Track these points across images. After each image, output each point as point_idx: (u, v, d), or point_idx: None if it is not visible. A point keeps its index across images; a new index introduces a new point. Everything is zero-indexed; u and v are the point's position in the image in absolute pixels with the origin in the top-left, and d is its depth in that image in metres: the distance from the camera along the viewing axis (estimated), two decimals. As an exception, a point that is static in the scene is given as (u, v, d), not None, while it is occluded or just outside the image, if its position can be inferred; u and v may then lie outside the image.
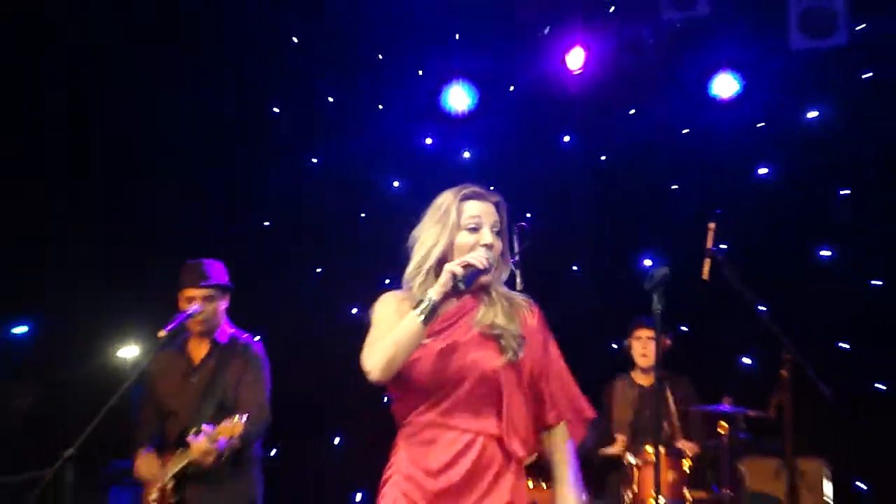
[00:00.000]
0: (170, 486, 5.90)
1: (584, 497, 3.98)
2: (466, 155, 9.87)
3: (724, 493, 7.41)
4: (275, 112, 9.60)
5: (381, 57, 9.65)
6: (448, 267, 3.79)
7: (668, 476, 7.37)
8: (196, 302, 6.05)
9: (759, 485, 7.91)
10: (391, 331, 3.82)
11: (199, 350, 6.23)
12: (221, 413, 5.93)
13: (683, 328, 8.97)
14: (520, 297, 4.06)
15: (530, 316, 4.01)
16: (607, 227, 9.47)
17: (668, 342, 7.97)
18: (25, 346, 8.69)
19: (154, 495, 5.93)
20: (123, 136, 8.84)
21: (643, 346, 8.00)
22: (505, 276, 4.07)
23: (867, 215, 8.87)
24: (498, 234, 3.99)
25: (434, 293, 3.75)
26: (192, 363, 6.21)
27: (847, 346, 8.86)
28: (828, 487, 7.97)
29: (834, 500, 7.94)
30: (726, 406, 7.37)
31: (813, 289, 8.74)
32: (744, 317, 7.29)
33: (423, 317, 3.75)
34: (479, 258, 3.81)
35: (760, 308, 7.00)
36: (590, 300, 9.23)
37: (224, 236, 8.42)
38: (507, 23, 9.53)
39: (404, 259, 9.25)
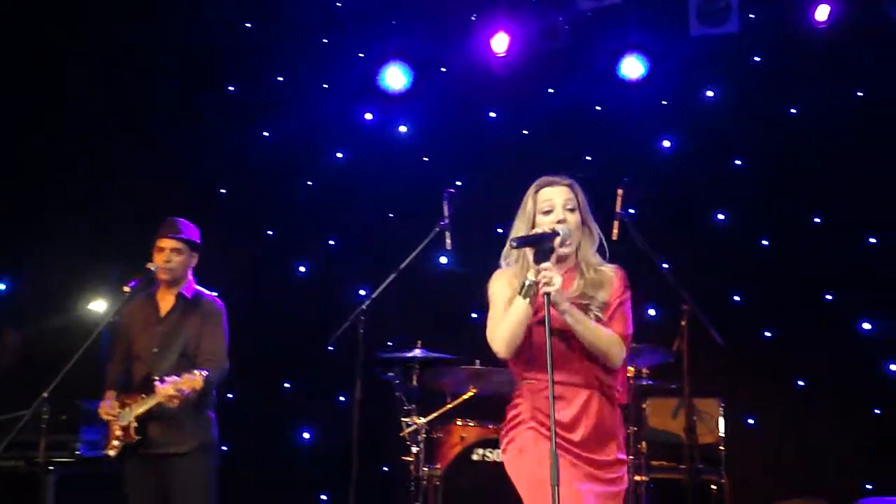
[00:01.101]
0: (133, 425, 6.13)
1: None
2: (403, 129, 10.24)
3: (630, 430, 7.58)
4: (230, 90, 9.97)
5: (325, 41, 10.05)
6: (528, 253, 4.22)
7: None
8: (165, 253, 6.33)
9: (661, 423, 8.41)
10: (506, 309, 4.24)
11: (166, 301, 6.44)
12: (183, 360, 6.23)
13: None
14: (608, 267, 4.40)
15: (616, 280, 4.35)
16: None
17: None
18: (3, 301, 9.10)
19: (118, 433, 6.17)
20: (97, 105, 9.19)
21: None
22: (592, 246, 4.44)
23: (756, 183, 9.34)
24: (572, 210, 4.40)
25: (530, 275, 4.10)
26: (158, 313, 6.41)
27: (738, 299, 9.31)
28: (721, 423, 8.26)
29: (726, 435, 8.21)
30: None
31: (709, 248, 9.25)
32: (648, 273, 7.57)
33: (527, 298, 4.11)
34: (542, 226, 4.29)
35: (663, 265, 7.48)
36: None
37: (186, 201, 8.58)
38: (440, 9, 9.89)
39: (346, 222, 10.07)
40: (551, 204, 4.41)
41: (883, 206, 8.87)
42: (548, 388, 4.01)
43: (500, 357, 4.31)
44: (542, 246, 4.14)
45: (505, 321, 4.24)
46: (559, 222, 4.32)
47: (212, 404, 6.44)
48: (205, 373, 5.95)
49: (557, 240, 4.20)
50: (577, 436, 4.22)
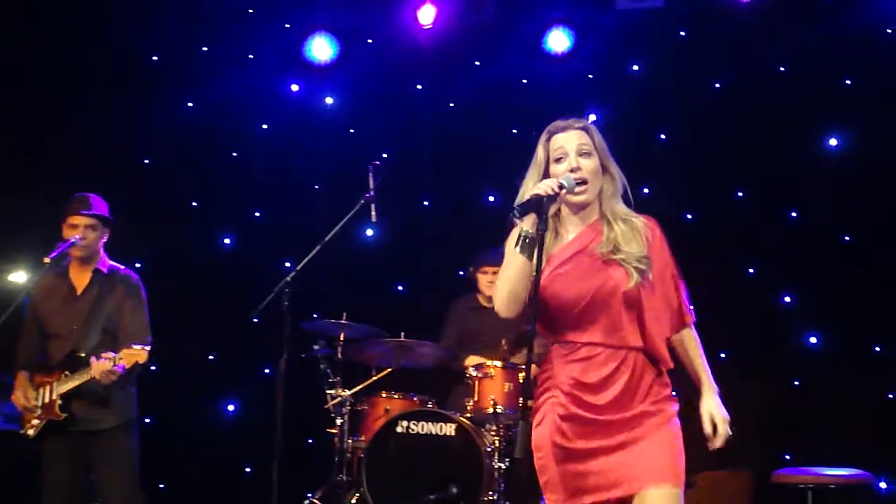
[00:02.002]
0: (58, 402, 6.16)
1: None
2: (329, 101, 10.19)
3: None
4: (153, 59, 9.83)
5: (251, 11, 9.92)
6: (517, 202, 3.87)
7: (505, 387, 7.77)
8: (79, 230, 6.29)
9: None
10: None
11: (81, 278, 6.44)
12: (106, 337, 6.26)
13: None
14: (637, 218, 4.06)
15: (650, 233, 4.03)
16: (453, 165, 9.87)
17: None
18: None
19: (34, 421, 6.22)
20: (17, 76, 8.98)
21: (489, 280, 8.41)
22: (616, 192, 4.09)
23: (680, 157, 9.36)
24: (587, 154, 4.02)
25: (524, 226, 3.79)
26: (74, 289, 6.41)
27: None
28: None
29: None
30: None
31: (634, 219, 9.42)
32: None
33: (519, 249, 3.80)
34: (543, 187, 3.80)
35: None
36: (439, 230, 9.79)
37: (109, 172, 8.63)
38: (366, -20, 9.79)
39: (272, 194, 10.06)
40: (563, 151, 4.04)
41: (805, 181, 8.99)
42: (578, 353, 3.92)
43: (503, 317, 4.00)
44: (541, 209, 3.78)
45: (501, 278, 3.96)
46: (571, 171, 3.98)
47: (134, 380, 6.46)
48: (147, 347, 6.02)
49: (563, 191, 3.88)
50: (602, 399, 3.90)
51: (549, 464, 3.98)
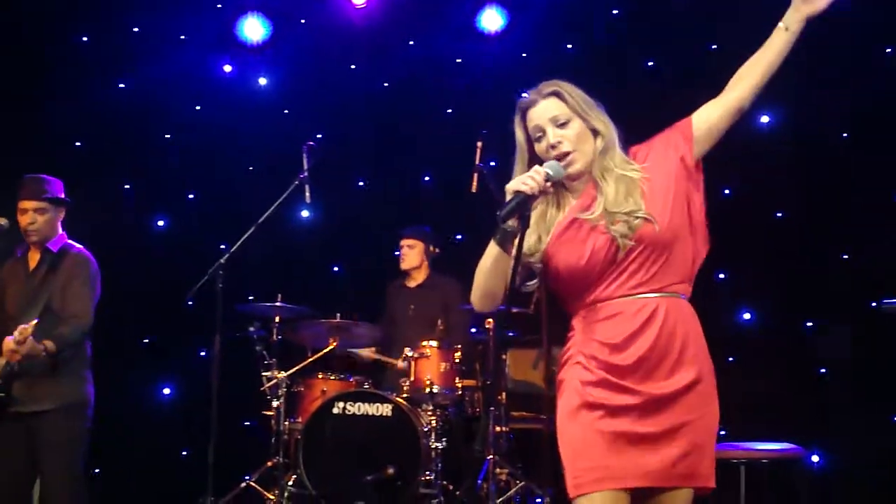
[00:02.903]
0: None
1: None
2: (262, 82, 10.13)
3: (487, 382, 8.00)
4: (83, 40, 9.73)
5: None
6: (507, 193, 3.54)
7: (441, 367, 7.91)
8: (28, 214, 6.28)
9: (521, 373, 8.57)
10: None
11: (34, 258, 6.42)
12: (48, 315, 6.14)
13: (458, 237, 9.62)
14: (632, 166, 3.75)
15: (643, 159, 3.79)
16: (390, 146, 9.79)
17: (436, 250, 8.74)
18: None
19: None
20: None
21: (404, 254, 8.65)
22: (606, 145, 3.74)
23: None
24: (565, 123, 3.71)
25: (502, 217, 3.49)
26: (28, 269, 6.40)
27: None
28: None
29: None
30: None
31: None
32: None
33: (496, 240, 3.58)
34: (530, 184, 3.49)
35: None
36: (374, 211, 9.71)
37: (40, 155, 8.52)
38: (298, -41, 9.75)
39: (206, 175, 10.01)
40: (539, 128, 3.73)
41: (736, 160, 9.03)
42: (603, 310, 3.64)
43: (479, 311, 3.81)
44: (526, 209, 3.51)
45: (477, 271, 3.70)
46: (552, 147, 3.69)
47: (85, 361, 6.45)
48: (34, 321, 5.89)
49: (549, 183, 3.57)
50: (627, 358, 3.59)
51: (573, 436, 3.65)
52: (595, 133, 3.76)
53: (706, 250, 3.88)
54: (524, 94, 3.85)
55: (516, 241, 3.51)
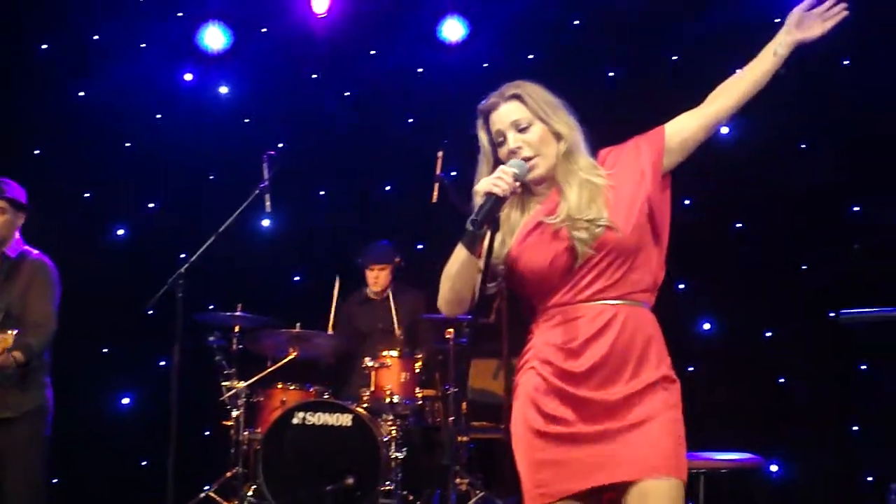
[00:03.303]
0: None
1: None
2: (223, 90, 10.11)
3: (451, 391, 7.95)
4: (43, 48, 9.68)
5: None
6: (475, 199, 3.53)
7: (402, 377, 7.91)
8: None
9: (481, 383, 8.54)
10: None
11: None
12: (9, 322, 6.05)
13: (419, 246, 9.62)
14: (597, 172, 3.70)
15: (612, 165, 3.75)
16: (351, 155, 9.69)
17: (399, 260, 8.71)
18: None
19: None
20: None
21: (375, 277, 8.63)
22: (569, 148, 3.67)
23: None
24: (526, 128, 3.65)
25: (479, 219, 3.40)
26: None
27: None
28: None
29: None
30: (453, 313, 8.05)
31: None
32: None
33: (464, 243, 3.55)
34: (501, 185, 3.45)
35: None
36: (335, 220, 9.70)
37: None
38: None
39: (166, 185, 9.94)
40: (500, 133, 3.68)
41: (697, 169, 9.04)
42: (561, 314, 3.60)
43: (447, 316, 3.78)
44: (498, 210, 3.47)
45: (444, 274, 3.66)
46: (512, 153, 3.64)
47: (45, 368, 6.37)
48: (14, 331, 5.84)
49: (518, 182, 3.54)
50: (582, 364, 3.54)
51: (526, 446, 3.63)
52: (558, 136, 3.69)
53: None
54: (487, 98, 3.79)
55: (485, 244, 3.46)
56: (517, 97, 3.72)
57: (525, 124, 3.67)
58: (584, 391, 3.54)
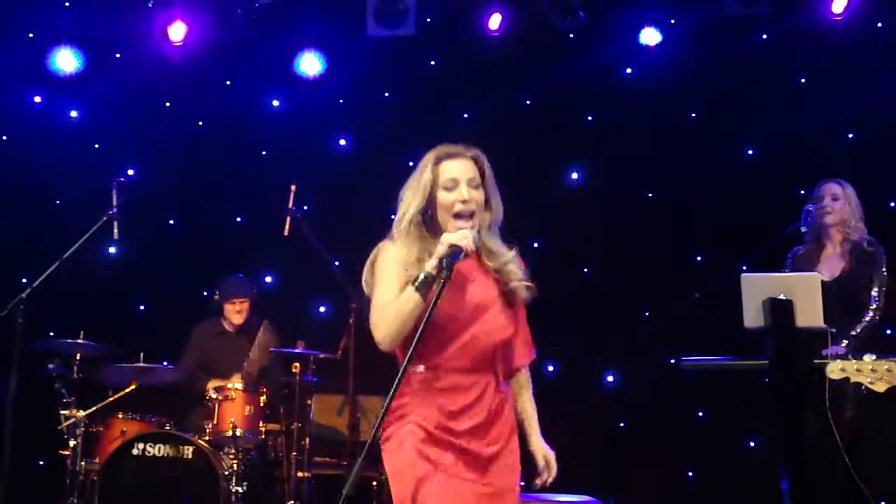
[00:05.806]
0: None
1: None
2: (73, 114, 9.97)
3: (294, 426, 7.92)
4: None
5: None
6: (438, 248, 3.79)
7: (246, 410, 7.85)
8: None
9: (325, 418, 8.56)
10: (397, 296, 3.83)
11: None
12: None
13: (268, 278, 9.61)
14: (508, 254, 4.10)
15: (521, 265, 4.15)
16: (203, 185, 9.68)
17: (255, 292, 8.64)
18: None
19: None
20: None
21: (237, 310, 8.50)
22: (492, 223, 4.09)
23: None
24: (477, 187, 4.00)
25: (427, 269, 3.76)
26: None
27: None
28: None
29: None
30: (300, 348, 7.88)
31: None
32: (319, 270, 7.74)
33: (416, 288, 3.76)
34: (466, 241, 3.81)
35: (335, 263, 7.56)
36: (184, 250, 9.59)
37: None
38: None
39: (10, 208, 9.79)
40: (455, 181, 3.98)
41: (544, 214, 9.16)
42: (444, 381, 3.91)
43: (383, 349, 3.91)
44: (456, 261, 3.82)
45: (391, 312, 3.85)
46: (463, 202, 3.96)
47: None
48: None
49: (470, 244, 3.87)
50: (464, 424, 3.91)
51: (413, 491, 3.88)
52: (488, 208, 4.09)
53: None
54: (448, 144, 4.13)
55: (435, 290, 3.76)
56: (475, 159, 4.08)
57: (476, 184, 4.03)
58: (462, 441, 3.95)
